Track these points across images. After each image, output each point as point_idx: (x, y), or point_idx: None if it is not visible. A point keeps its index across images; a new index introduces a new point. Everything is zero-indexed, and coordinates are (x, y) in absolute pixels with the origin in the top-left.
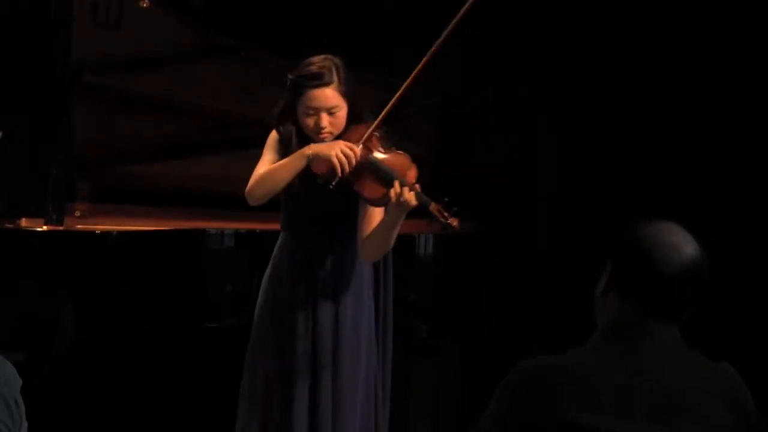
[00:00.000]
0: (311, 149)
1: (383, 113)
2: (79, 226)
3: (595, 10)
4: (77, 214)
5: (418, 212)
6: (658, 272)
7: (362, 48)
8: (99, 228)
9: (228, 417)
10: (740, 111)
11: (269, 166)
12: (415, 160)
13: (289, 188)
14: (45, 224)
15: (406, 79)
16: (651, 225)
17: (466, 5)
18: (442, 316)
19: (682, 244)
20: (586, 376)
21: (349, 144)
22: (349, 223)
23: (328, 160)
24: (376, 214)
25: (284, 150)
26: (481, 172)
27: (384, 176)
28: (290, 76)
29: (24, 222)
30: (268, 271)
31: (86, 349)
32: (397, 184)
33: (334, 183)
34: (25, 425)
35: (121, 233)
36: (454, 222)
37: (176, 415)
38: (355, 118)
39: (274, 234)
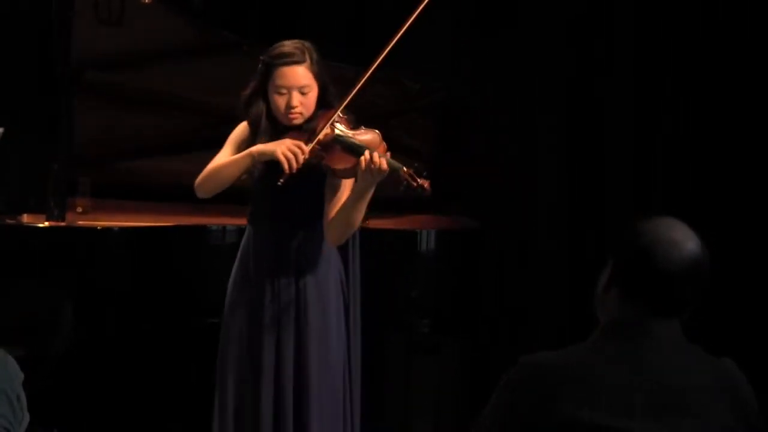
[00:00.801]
0: (257, 148)
1: (350, 94)
2: (80, 222)
3: (595, 9)
4: (79, 210)
5: (419, 207)
6: (659, 269)
7: (363, 46)
8: (100, 224)
9: None
10: (740, 110)
11: (213, 163)
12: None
13: (253, 183)
14: (46, 220)
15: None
16: (651, 221)
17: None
18: (442, 313)
19: (683, 240)
20: (587, 373)
21: (295, 142)
22: (313, 214)
23: (272, 156)
24: (343, 197)
25: (252, 136)
26: (482, 171)
27: (354, 148)
28: (265, 57)
29: (25, 218)
30: (235, 265)
31: (87, 345)
32: (366, 152)
33: (282, 180)
34: (27, 418)
35: (122, 229)
36: (425, 184)
37: (176, 413)
38: (325, 104)
39: None
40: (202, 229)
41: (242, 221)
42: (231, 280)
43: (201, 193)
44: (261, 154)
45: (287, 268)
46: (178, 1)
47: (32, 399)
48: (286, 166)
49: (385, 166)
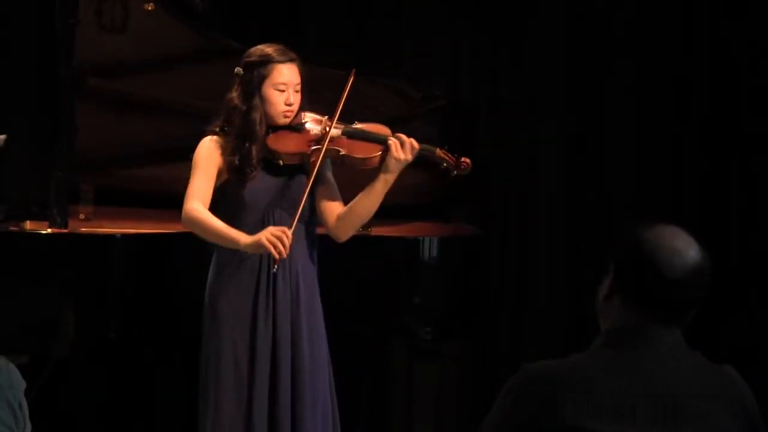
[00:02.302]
0: (245, 243)
1: (342, 98)
2: (83, 229)
3: (596, 10)
4: (81, 216)
5: (421, 215)
6: (661, 277)
7: (364, 51)
8: (103, 231)
9: None
10: (741, 113)
11: (212, 219)
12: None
13: (231, 194)
14: (49, 227)
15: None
16: (653, 229)
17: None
18: (445, 319)
19: (685, 248)
20: (589, 380)
21: (278, 227)
22: (302, 221)
23: (261, 249)
24: (336, 192)
25: (242, 142)
26: (484, 178)
27: (375, 137)
28: (252, 58)
29: (28, 225)
30: (213, 276)
31: (90, 351)
32: (392, 137)
33: (276, 267)
34: (29, 427)
35: (125, 236)
36: (467, 160)
37: (178, 418)
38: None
39: None
40: None
41: None
42: (213, 286)
43: (185, 228)
44: (248, 247)
45: (276, 282)
46: (180, 8)
47: (34, 407)
48: (275, 253)
49: (416, 144)
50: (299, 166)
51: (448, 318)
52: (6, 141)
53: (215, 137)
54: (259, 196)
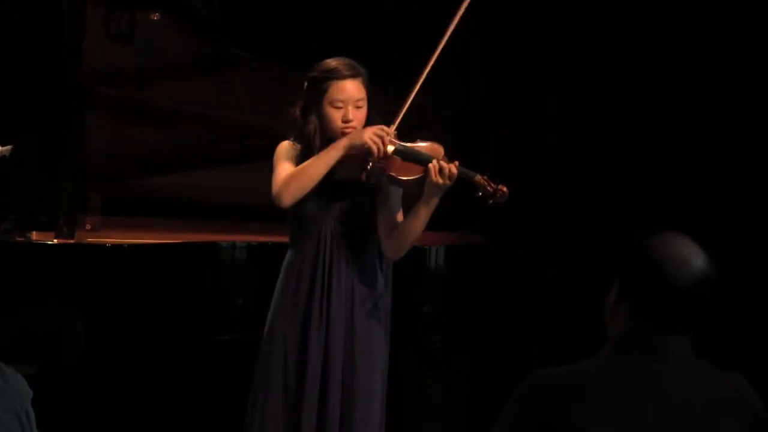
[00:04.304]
0: (346, 140)
1: (402, 110)
2: (90, 239)
3: (605, 17)
4: (88, 227)
5: (428, 224)
6: (668, 286)
7: (373, 57)
8: (110, 241)
9: (237, 430)
10: (745, 119)
11: (302, 165)
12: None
13: (297, 205)
14: (56, 237)
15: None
16: (660, 238)
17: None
18: (453, 328)
19: (692, 256)
20: (597, 388)
21: (379, 126)
22: (360, 233)
23: (362, 146)
24: (397, 209)
25: (305, 151)
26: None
27: (419, 158)
28: (314, 73)
29: (35, 235)
30: (278, 289)
31: (97, 362)
32: (435, 160)
33: (366, 172)
34: None
35: (131, 246)
36: (503, 188)
37: (188, 428)
38: (368, 122)
39: (287, 247)
40: (212, 246)
41: (251, 238)
42: (277, 293)
43: (285, 199)
44: (351, 143)
45: (336, 296)
46: (187, 17)
47: (42, 416)
48: (375, 150)
49: (455, 170)
50: (360, 182)
51: (457, 327)
52: (11, 151)
53: (292, 143)
54: (318, 211)
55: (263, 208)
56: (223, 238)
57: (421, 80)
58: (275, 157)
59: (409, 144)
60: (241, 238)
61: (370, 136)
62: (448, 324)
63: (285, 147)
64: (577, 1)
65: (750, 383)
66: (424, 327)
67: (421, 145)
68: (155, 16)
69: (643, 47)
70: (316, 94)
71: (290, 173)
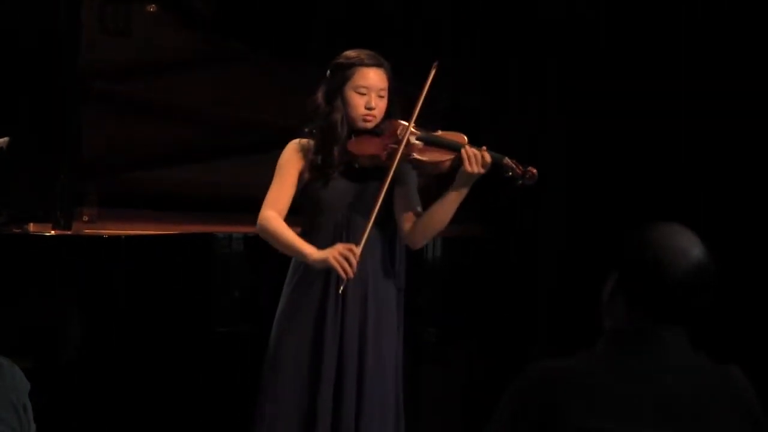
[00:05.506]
0: (313, 258)
1: (418, 104)
2: (87, 231)
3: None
4: (85, 218)
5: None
6: (666, 277)
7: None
8: (107, 232)
9: (236, 425)
10: (740, 111)
11: (284, 230)
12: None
13: (313, 194)
14: (53, 229)
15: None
16: (656, 228)
17: None
18: (449, 320)
19: (689, 247)
20: (594, 381)
21: (347, 245)
22: (377, 223)
23: (327, 266)
24: (413, 199)
25: (322, 142)
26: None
27: (448, 144)
28: (339, 60)
29: (32, 227)
30: (290, 279)
31: (94, 354)
32: (466, 146)
33: (342, 287)
34: (33, 429)
35: (129, 237)
36: (533, 170)
37: (184, 423)
38: (387, 115)
39: None
40: (208, 237)
41: (248, 229)
42: (287, 288)
43: (260, 233)
44: (316, 262)
45: (351, 289)
46: (184, 12)
47: (39, 409)
48: (341, 272)
49: (488, 157)
50: (380, 173)
51: (453, 319)
52: (8, 143)
53: (301, 140)
54: (336, 199)
55: (260, 201)
56: (220, 230)
57: (432, 75)
58: (278, 165)
59: (436, 133)
60: (237, 230)
61: (335, 255)
62: (444, 317)
63: (290, 151)
64: (577, 1)
65: (747, 377)
66: (420, 320)
67: (449, 134)
68: (151, 8)
69: (642, 46)
70: (341, 80)
71: (271, 224)
